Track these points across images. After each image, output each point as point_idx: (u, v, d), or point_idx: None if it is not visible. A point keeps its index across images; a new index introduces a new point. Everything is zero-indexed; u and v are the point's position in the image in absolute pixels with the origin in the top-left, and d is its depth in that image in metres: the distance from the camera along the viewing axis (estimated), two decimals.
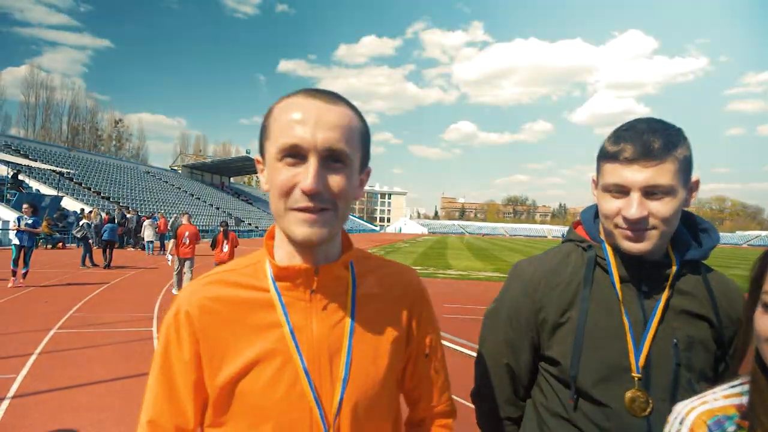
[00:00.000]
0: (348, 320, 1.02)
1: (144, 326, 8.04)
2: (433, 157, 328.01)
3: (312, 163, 0.89)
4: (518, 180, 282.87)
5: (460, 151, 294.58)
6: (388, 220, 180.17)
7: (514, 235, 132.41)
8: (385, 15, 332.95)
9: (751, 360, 0.94)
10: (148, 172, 53.39)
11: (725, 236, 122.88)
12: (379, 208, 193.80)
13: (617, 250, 1.27)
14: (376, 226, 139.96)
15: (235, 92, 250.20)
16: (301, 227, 0.92)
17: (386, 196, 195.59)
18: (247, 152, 57.97)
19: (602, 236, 1.33)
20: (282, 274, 1.00)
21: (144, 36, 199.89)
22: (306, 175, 0.89)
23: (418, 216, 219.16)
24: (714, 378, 1.22)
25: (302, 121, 0.90)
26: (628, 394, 1.20)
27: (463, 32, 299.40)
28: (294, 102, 0.94)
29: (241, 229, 45.12)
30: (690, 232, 1.35)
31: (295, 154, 0.90)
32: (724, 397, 0.99)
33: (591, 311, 1.27)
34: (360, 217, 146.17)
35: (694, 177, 1.22)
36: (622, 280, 1.27)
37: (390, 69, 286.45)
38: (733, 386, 1.00)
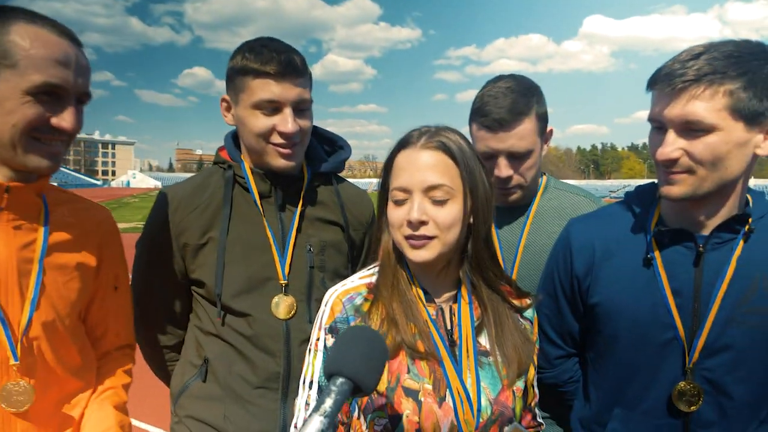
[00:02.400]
0: (40, 243, 1.07)
1: None
2: (165, 103, 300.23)
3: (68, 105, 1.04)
4: None
5: (196, 99, 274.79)
6: (113, 174, 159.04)
7: None
8: None
9: (383, 247, 1.17)
10: None
11: None
12: (100, 159, 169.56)
13: (258, 168, 1.37)
14: (97, 180, 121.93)
15: None
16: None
17: (109, 146, 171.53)
18: None
19: (243, 157, 1.40)
20: None
21: None
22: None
23: (150, 168, 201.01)
24: (349, 274, 1.40)
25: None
26: (275, 300, 1.31)
27: None
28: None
29: None
30: (328, 150, 1.53)
31: (50, 93, 1.02)
32: (360, 278, 1.19)
33: (233, 228, 1.33)
34: (76, 170, 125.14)
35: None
36: (261, 196, 1.36)
37: None
38: (368, 269, 1.22)
